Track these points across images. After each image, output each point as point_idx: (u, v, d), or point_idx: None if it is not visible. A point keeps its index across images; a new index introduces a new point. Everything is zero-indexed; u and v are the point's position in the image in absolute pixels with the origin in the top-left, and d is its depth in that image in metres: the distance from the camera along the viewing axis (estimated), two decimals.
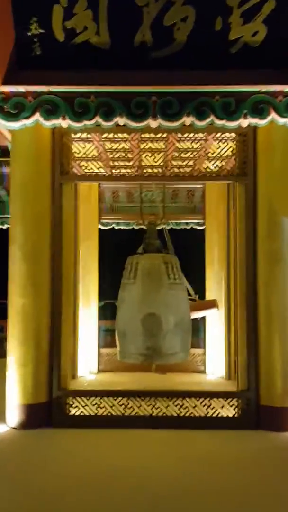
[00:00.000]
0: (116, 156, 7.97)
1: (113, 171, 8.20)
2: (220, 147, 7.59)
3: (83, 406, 7.00)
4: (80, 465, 5.55)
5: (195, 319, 8.80)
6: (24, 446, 6.23)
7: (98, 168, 7.85)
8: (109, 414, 6.96)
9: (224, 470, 5.43)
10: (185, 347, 6.97)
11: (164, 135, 7.42)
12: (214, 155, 7.82)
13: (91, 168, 7.65)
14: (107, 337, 10.84)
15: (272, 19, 6.24)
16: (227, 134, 7.30)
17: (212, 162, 8.37)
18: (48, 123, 6.73)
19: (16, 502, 4.65)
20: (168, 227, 9.01)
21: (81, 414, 6.98)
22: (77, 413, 6.98)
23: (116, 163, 8.49)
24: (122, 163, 8.44)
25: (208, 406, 6.95)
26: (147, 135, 7.44)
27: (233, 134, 7.24)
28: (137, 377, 8.78)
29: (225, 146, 7.53)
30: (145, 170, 7.98)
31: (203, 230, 10.75)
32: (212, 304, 9.20)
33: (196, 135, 7.46)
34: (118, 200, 11.32)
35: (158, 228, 7.61)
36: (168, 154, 7.70)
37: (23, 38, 6.39)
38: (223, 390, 7.42)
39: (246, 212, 7.11)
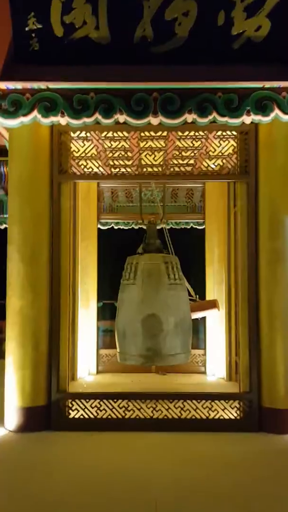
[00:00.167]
0: (116, 155, 7.81)
1: (113, 170, 8.00)
2: (221, 145, 7.47)
3: (82, 409, 6.83)
4: (80, 469, 5.42)
5: (196, 319, 8.65)
6: (23, 449, 6.09)
7: (97, 167, 7.68)
8: (109, 416, 6.80)
9: (226, 473, 5.30)
10: (185, 348, 6.80)
11: (164, 133, 7.28)
12: (215, 153, 7.70)
13: (90, 167, 7.47)
14: (106, 338, 10.81)
15: (275, 14, 6.15)
16: (228, 132, 7.16)
17: (213, 160, 8.26)
18: (47, 121, 6.58)
19: (15, 507, 4.55)
20: (168, 227, 8.87)
21: (81, 417, 6.82)
22: (76, 416, 6.82)
23: (115, 162, 8.32)
24: (121, 162, 8.25)
25: (210, 408, 6.80)
26: (147, 133, 7.32)
27: (234, 132, 7.09)
28: (137, 378, 8.68)
29: (226, 145, 7.40)
30: (144, 169, 7.82)
31: (203, 229, 10.65)
32: (213, 304, 9.03)
33: (196, 133, 7.32)
34: (118, 199, 11.18)
35: (158, 227, 7.42)
36: (168, 153, 7.57)
37: (21, 33, 6.29)
38: (225, 392, 7.32)
39: (247, 211, 6.96)
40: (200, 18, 6.18)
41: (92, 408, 6.83)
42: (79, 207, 9.63)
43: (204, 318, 9.70)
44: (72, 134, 7.19)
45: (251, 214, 6.91)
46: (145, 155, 7.53)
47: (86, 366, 9.70)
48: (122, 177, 7.58)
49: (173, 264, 6.82)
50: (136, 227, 11.34)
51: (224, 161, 8.21)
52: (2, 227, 11.22)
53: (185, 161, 7.81)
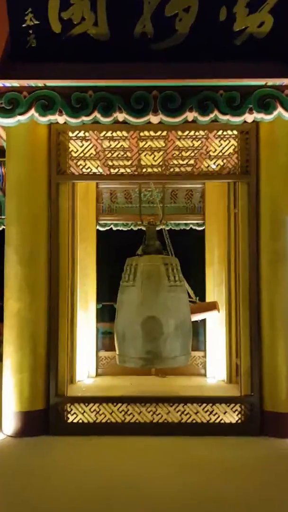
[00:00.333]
0: (115, 155, 7.63)
1: (112, 170, 7.96)
2: (221, 145, 7.32)
3: (81, 413, 6.68)
4: (79, 474, 5.31)
5: (196, 321, 8.57)
6: (20, 454, 5.97)
7: (96, 167, 7.61)
8: (109, 421, 6.66)
9: (228, 478, 5.20)
10: (186, 350, 6.70)
11: (164, 133, 7.13)
12: (216, 153, 7.54)
13: (89, 167, 7.33)
14: (105, 340, 10.67)
15: (278, 9, 6.03)
16: (229, 132, 7.04)
17: (214, 160, 8.07)
18: (44, 119, 6.43)
19: None
20: (168, 228, 8.70)
21: (80, 421, 6.66)
22: (75, 420, 6.67)
23: (114, 162, 8.21)
24: (120, 162, 8.15)
25: (211, 412, 6.65)
26: (146, 133, 7.18)
27: (235, 132, 6.96)
28: (136, 380, 8.61)
29: (227, 144, 7.26)
30: (144, 170, 7.70)
31: (203, 230, 10.52)
32: (213, 306, 8.89)
33: (197, 133, 7.18)
34: (117, 200, 11.00)
35: (158, 229, 7.29)
36: (168, 153, 7.40)
37: (18, 29, 6.15)
38: (226, 395, 7.25)
39: (248, 211, 6.82)
40: (201, 14, 6.04)
41: (91, 412, 6.69)
42: (78, 208, 9.46)
43: (204, 320, 9.56)
44: (70, 134, 7.03)
45: (252, 214, 6.78)
46: (145, 155, 7.39)
47: (85, 369, 9.54)
48: (121, 177, 7.47)
49: (173, 266, 6.71)
50: (135, 228, 11.16)
51: (224, 161, 8.07)
52: (0, 228, 11.02)
53: (185, 161, 7.66)
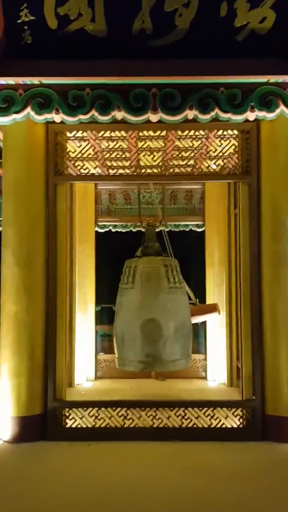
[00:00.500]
0: (113, 155, 7.59)
1: (110, 171, 7.86)
2: (222, 145, 7.20)
3: (80, 418, 6.54)
4: (77, 480, 5.21)
5: (196, 323, 8.43)
6: (18, 460, 5.85)
7: (94, 168, 7.54)
8: (108, 426, 6.51)
9: (229, 484, 5.10)
10: (186, 353, 6.52)
11: (163, 133, 7.03)
12: (216, 153, 7.43)
13: (87, 168, 7.31)
14: (104, 342, 10.64)
15: (280, 5, 5.89)
16: (229, 132, 6.92)
17: (214, 160, 8.04)
18: (40, 118, 6.27)
19: None
20: (167, 229, 8.53)
21: (78, 426, 6.53)
22: (73, 425, 6.53)
23: (113, 163, 8.11)
24: (119, 163, 8.05)
25: (212, 417, 6.52)
26: (145, 133, 7.07)
27: (235, 132, 6.84)
28: (136, 384, 8.51)
29: (227, 144, 7.14)
30: (143, 170, 7.55)
31: (202, 232, 10.46)
32: (213, 308, 8.77)
33: (196, 133, 7.06)
34: (116, 201, 10.92)
35: (157, 230, 7.13)
36: (167, 153, 7.30)
37: (13, 25, 6.00)
38: (227, 400, 7.10)
39: (249, 212, 6.69)
40: (202, 9, 5.89)
41: (90, 417, 6.56)
42: (76, 209, 9.41)
43: (204, 322, 9.45)
44: (68, 134, 6.91)
45: (253, 215, 6.66)
46: (144, 155, 7.28)
47: (84, 372, 9.44)
48: (120, 178, 7.45)
49: (172, 267, 6.54)
50: (134, 230, 11.11)
51: (225, 161, 7.98)
52: None
53: (184, 162, 7.54)
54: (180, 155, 7.45)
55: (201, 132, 7.02)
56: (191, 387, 8.90)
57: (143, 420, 6.51)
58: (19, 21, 5.95)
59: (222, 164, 8.18)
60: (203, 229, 10.47)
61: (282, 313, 6.41)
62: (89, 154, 7.35)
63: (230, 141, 7.09)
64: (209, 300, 9.55)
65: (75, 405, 6.61)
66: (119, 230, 11.39)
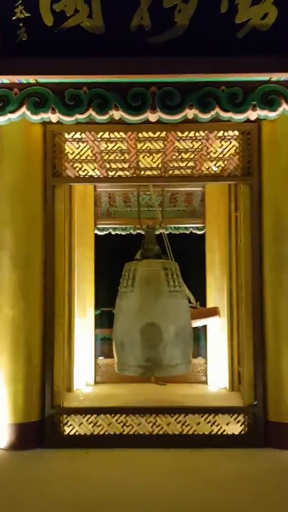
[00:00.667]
0: (112, 157, 7.50)
1: (109, 173, 7.74)
2: (222, 146, 7.07)
3: (78, 425, 6.42)
4: (75, 489, 5.14)
5: (196, 327, 8.27)
6: (15, 468, 5.76)
7: (93, 170, 7.43)
8: (106, 433, 6.39)
9: (230, 492, 5.02)
10: (186, 358, 6.38)
11: (163, 134, 6.90)
12: (216, 155, 7.27)
13: (86, 170, 7.18)
14: (104, 346, 10.45)
15: (283, 0, 5.83)
16: (230, 133, 6.85)
17: (214, 162, 7.92)
18: (36, 118, 6.14)
19: None
20: (167, 232, 8.56)
21: (76, 433, 6.40)
22: (71, 432, 6.41)
23: (112, 165, 7.98)
24: (118, 165, 7.89)
25: (213, 423, 6.40)
26: (145, 134, 6.92)
27: (236, 133, 6.74)
28: (136, 389, 8.40)
29: (228, 145, 6.99)
30: (142, 172, 7.47)
31: (203, 234, 10.34)
32: (214, 311, 8.63)
33: (197, 134, 6.96)
34: (115, 204, 10.85)
35: (157, 233, 7.00)
36: (167, 154, 7.22)
37: (8, 22, 5.92)
38: (228, 406, 6.88)
39: (250, 214, 6.59)
40: (202, 5, 5.82)
41: (88, 423, 6.44)
42: (75, 212, 9.31)
43: (205, 326, 9.34)
44: (66, 136, 6.80)
45: (255, 217, 6.57)
46: (143, 157, 7.21)
47: (84, 377, 9.32)
48: (118, 180, 7.30)
49: (172, 271, 6.39)
50: (134, 233, 10.99)
51: (225, 162, 7.88)
52: None
53: (184, 163, 7.46)
54: (180, 157, 7.35)
55: (201, 133, 6.93)
56: (192, 392, 8.79)
57: (143, 427, 6.40)
58: (14, 17, 5.88)
59: (222, 165, 8.09)
60: (203, 231, 10.34)
61: (284, 316, 6.29)
62: (88, 155, 7.32)
63: (230, 142, 6.97)
64: (210, 303, 9.40)
65: (73, 412, 6.50)
66: (118, 232, 11.31)
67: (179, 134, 6.92)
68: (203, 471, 5.58)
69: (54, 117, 6.14)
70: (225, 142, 7.00)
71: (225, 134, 6.89)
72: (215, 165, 8.01)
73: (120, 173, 7.30)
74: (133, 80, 6.01)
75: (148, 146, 7.22)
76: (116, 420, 6.40)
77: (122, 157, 7.63)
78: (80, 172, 7.11)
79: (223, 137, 6.97)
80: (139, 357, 6.17)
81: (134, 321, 6.22)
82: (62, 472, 5.59)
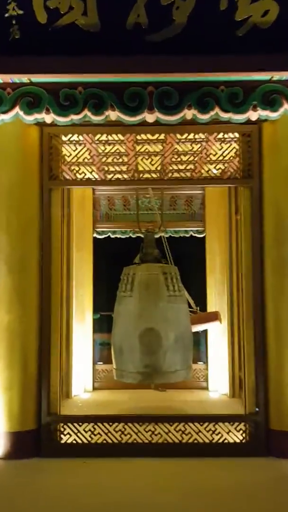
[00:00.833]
0: (110, 159, 7.30)
1: (107, 175, 7.59)
2: (222, 148, 6.95)
3: (75, 433, 6.24)
4: (72, 499, 5.05)
5: (196, 332, 8.14)
6: (10, 478, 5.63)
7: (90, 173, 7.32)
8: (104, 441, 6.23)
9: (232, 502, 4.92)
10: (186, 364, 6.31)
11: (162, 137, 6.78)
12: (216, 157, 7.21)
13: (83, 173, 7.03)
14: (103, 352, 10.42)
15: None
16: (230, 135, 6.72)
17: (214, 165, 7.75)
18: (30, 118, 5.96)
19: None
20: (167, 235, 8.42)
21: (73, 441, 6.23)
22: (69, 441, 6.24)
23: (110, 168, 7.82)
24: (117, 168, 7.78)
25: (213, 432, 6.21)
26: (143, 137, 6.81)
27: (236, 134, 6.62)
28: (136, 395, 8.31)
29: (228, 148, 6.87)
30: (141, 175, 7.29)
31: (203, 238, 10.24)
32: (215, 316, 8.46)
33: (196, 136, 6.83)
34: (114, 207, 10.74)
35: (156, 236, 6.95)
36: (166, 157, 7.08)
37: (0, 20, 5.71)
38: (229, 414, 6.75)
39: (251, 217, 6.48)
40: (200, 2, 5.65)
41: (86, 432, 6.26)
42: (74, 215, 9.19)
43: (205, 331, 9.22)
44: (63, 138, 6.69)
45: (256, 219, 6.44)
46: (142, 159, 7.03)
47: (82, 383, 9.20)
48: (117, 183, 7.11)
49: (172, 275, 6.34)
50: (133, 236, 10.85)
51: (225, 165, 7.70)
52: None
53: (184, 166, 7.31)
54: (179, 159, 7.22)
55: (201, 135, 6.81)
56: (192, 398, 8.67)
57: (142, 435, 6.24)
58: (6, 15, 5.70)
59: (222, 168, 7.93)
60: (203, 235, 10.25)
61: (286, 320, 6.16)
62: (85, 158, 7.21)
63: (231, 144, 6.86)
64: (210, 308, 9.34)
65: (70, 420, 6.36)
66: (117, 236, 11.22)
67: (178, 136, 6.77)
68: (203, 481, 5.46)
69: (48, 117, 5.97)
70: (225, 144, 6.89)
71: (225, 136, 6.76)
72: (215, 167, 7.87)
73: (118, 175, 7.18)
74: (129, 80, 5.83)
75: (146, 148, 7.14)
76: (114, 429, 6.26)
77: (121, 160, 7.51)
78: (78, 175, 6.96)
79: (223, 139, 6.83)
80: (138, 363, 6.10)
81: (133, 327, 6.19)
82: (59, 482, 5.47)
